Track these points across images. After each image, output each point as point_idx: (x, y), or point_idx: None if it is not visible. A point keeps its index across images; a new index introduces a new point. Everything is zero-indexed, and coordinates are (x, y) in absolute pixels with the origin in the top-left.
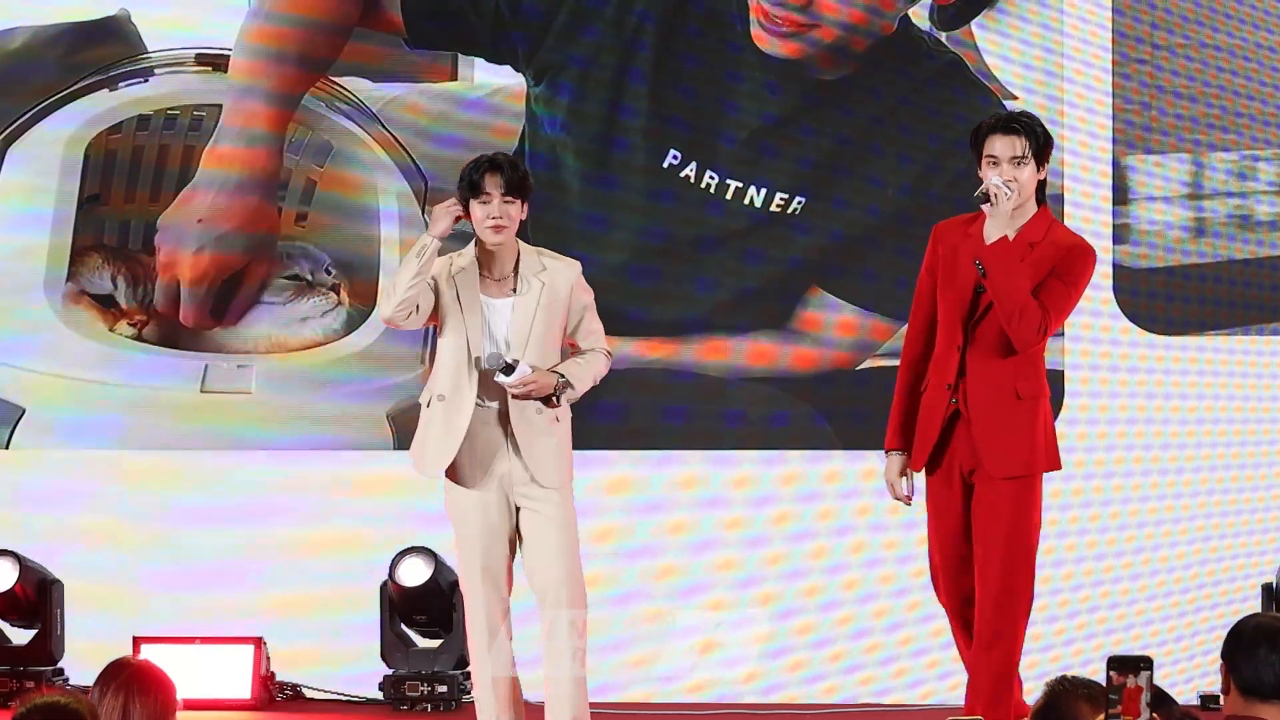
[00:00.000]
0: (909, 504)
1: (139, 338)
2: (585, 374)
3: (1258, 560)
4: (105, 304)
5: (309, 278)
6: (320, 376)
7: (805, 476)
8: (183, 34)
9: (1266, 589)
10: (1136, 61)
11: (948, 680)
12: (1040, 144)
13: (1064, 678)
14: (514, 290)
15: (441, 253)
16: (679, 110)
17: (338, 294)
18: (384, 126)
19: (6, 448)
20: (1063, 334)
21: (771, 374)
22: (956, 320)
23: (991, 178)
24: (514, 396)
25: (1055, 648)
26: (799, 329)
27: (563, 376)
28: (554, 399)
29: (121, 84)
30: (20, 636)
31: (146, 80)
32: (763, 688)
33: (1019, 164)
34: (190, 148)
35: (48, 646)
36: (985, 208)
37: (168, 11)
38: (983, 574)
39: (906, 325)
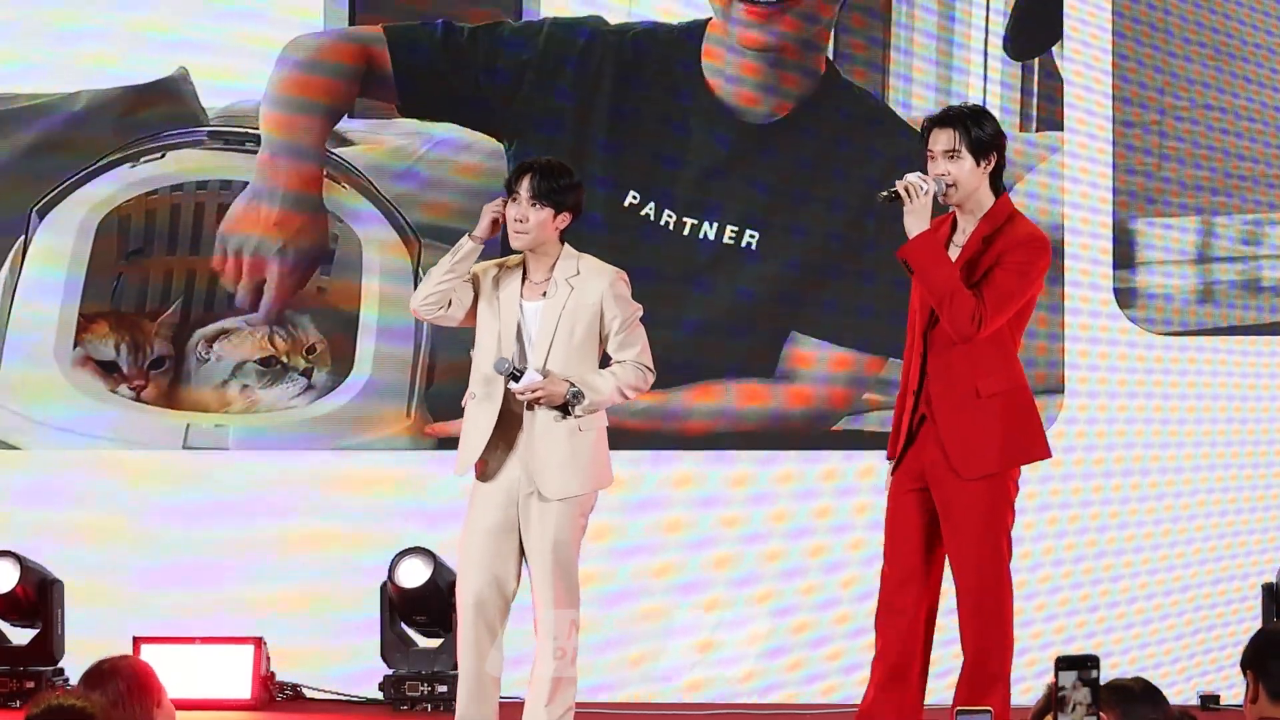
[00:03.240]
0: None
1: (138, 399)
2: (606, 384)
3: (1257, 560)
4: (108, 369)
5: (284, 361)
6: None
7: (802, 475)
8: (238, 90)
9: (1267, 589)
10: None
11: (946, 679)
12: (974, 138)
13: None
14: (544, 295)
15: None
16: (636, 154)
17: (309, 378)
18: (370, 181)
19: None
20: (1063, 334)
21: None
22: (917, 327)
23: (908, 176)
24: (526, 405)
25: (1054, 645)
26: (786, 369)
27: (573, 385)
28: (568, 408)
29: (142, 160)
30: (20, 636)
31: (163, 156)
32: (761, 687)
33: (952, 157)
34: (224, 205)
35: (48, 646)
36: (905, 204)
37: (225, 68)
38: (960, 578)
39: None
